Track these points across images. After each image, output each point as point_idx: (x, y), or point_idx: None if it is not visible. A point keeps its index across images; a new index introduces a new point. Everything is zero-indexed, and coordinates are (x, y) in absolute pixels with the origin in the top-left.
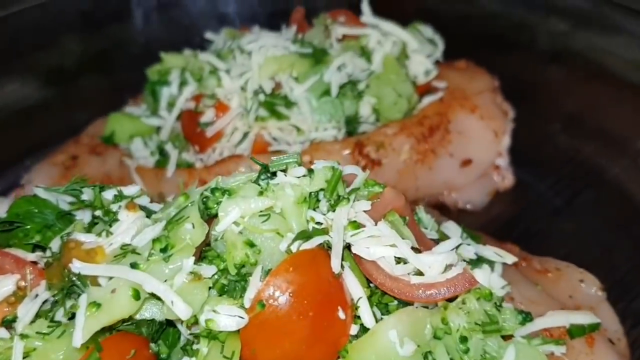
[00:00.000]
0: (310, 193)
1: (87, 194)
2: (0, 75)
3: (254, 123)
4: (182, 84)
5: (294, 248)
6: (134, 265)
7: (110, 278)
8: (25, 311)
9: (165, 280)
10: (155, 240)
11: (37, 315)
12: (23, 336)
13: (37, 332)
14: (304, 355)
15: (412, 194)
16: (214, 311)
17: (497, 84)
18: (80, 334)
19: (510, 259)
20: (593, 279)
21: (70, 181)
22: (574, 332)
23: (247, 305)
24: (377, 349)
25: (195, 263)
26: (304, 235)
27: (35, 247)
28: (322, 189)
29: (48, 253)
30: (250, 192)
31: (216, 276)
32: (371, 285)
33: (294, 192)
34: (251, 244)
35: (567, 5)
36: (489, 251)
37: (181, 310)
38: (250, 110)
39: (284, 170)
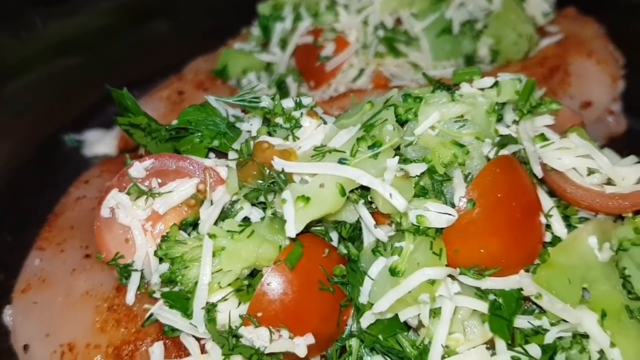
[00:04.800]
0: (497, 104)
1: (265, 101)
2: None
3: (372, 59)
4: (297, 19)
5: (491, 154)
6: (342, 161)
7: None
8: (209, 213)
9: None
10: (360, 139)
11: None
12: (211, 236)
13: (228, 231)
14: (507, 257)
15: None
16: (424, 208)
17: (604, 31)
18: (292, 225)
19: None
20: None
21: (240, 92)
22: None
23: (456, 203)
24: (579, 252)
25: None
26: (502, 142)
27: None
28: (506, 102)
29: (232, 155)
30: (444, 99)
31: (417, 177)
32: (553, 198)
33: (486, 100)
34: (459, 145)
35: None
36: None
37: (399, 203)
38: (370, 46)
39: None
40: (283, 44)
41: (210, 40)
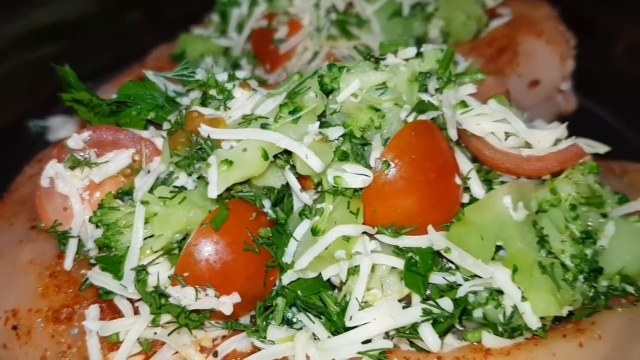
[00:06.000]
0: (420, 73)
1: (200, 74)
2: None
3: (325, 42)
4: (252, 4)
5: (410, 119)
6: (264, 126)
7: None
8: (143, 182)
9: None
10: (282, 105)
11: (154, 186)
12: (144, 202)
13: (159, 197)
14: (423, 216)
15: None
16: (342, 169)
17: (556, 13)
18: (215, 187)
19: (603, 148)
20: None
21: (179, 66)
22: None
23: (372, 165)
24: (493, 211)
25: None
26: (421, 107)
27: (146, 127)
28: (430, 72)
29: (166, 126)
30: (367, 68)
31: (338, 142)
32: (475, 164)
33: (407, 69)
34: (376, 109)
35: None
36: (581, 142)
37: (315, 163)
38: (322, 28)
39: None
40: (240, 28)
41: (180, 30)
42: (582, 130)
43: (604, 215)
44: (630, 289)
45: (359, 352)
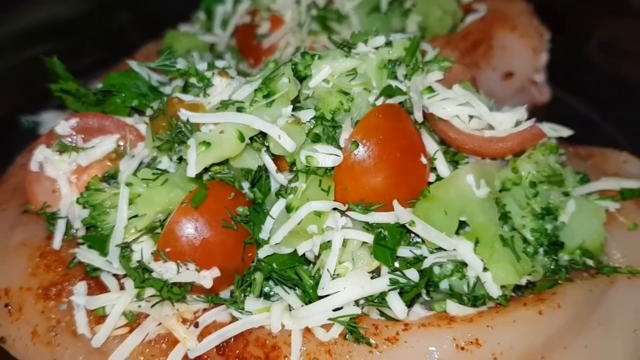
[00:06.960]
0: (389, 60)
1: (181, 64)
2: None
3: (306, 37)
4: (237, 1)
5: (378, 103)
6: (240, 110)
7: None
8: (127, 165)
9: None
10: (257, 90)
11: (138, 170)
12: (128, 184)
13: (142, 179)
14: (390, 194)
15: None
16: (314, 150)
17: (531, 8)
18: (193, 166)
19: (566, 132)
20: (636, 160)
21: (161, 57)
22: (626, 194)
23: (342, 145)
24: (457, 189)
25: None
26: (388, 92)
27: (130, 114)
28: (399, 60)
29: (149, 112)
30: (338, 55)
31: (311, 125)
32: (442, 146)
33: (376, 56)
34: (345, 93)
35: None
36: (545, 126)
37: (287, 143)
38: (303, 24)
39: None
40: (225, 25)
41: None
42: (556, 119)
43: (566, 194)
44: (591, 262)
45: (330, 319)
